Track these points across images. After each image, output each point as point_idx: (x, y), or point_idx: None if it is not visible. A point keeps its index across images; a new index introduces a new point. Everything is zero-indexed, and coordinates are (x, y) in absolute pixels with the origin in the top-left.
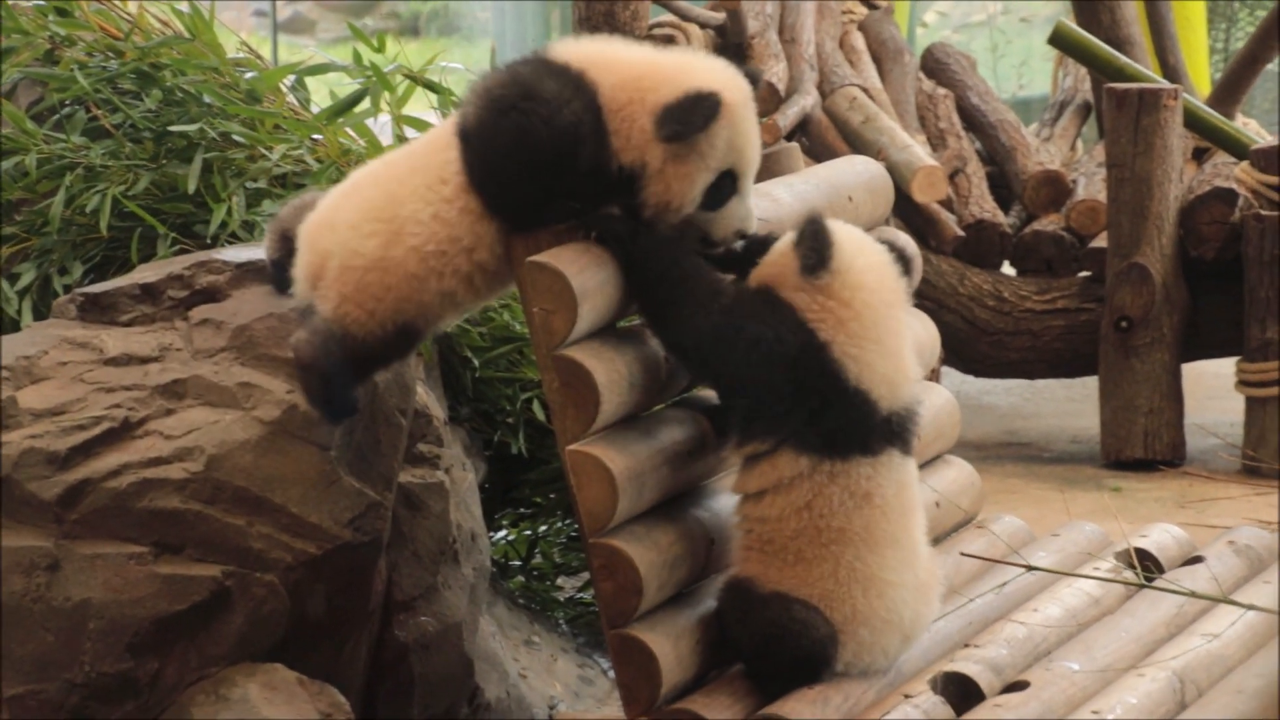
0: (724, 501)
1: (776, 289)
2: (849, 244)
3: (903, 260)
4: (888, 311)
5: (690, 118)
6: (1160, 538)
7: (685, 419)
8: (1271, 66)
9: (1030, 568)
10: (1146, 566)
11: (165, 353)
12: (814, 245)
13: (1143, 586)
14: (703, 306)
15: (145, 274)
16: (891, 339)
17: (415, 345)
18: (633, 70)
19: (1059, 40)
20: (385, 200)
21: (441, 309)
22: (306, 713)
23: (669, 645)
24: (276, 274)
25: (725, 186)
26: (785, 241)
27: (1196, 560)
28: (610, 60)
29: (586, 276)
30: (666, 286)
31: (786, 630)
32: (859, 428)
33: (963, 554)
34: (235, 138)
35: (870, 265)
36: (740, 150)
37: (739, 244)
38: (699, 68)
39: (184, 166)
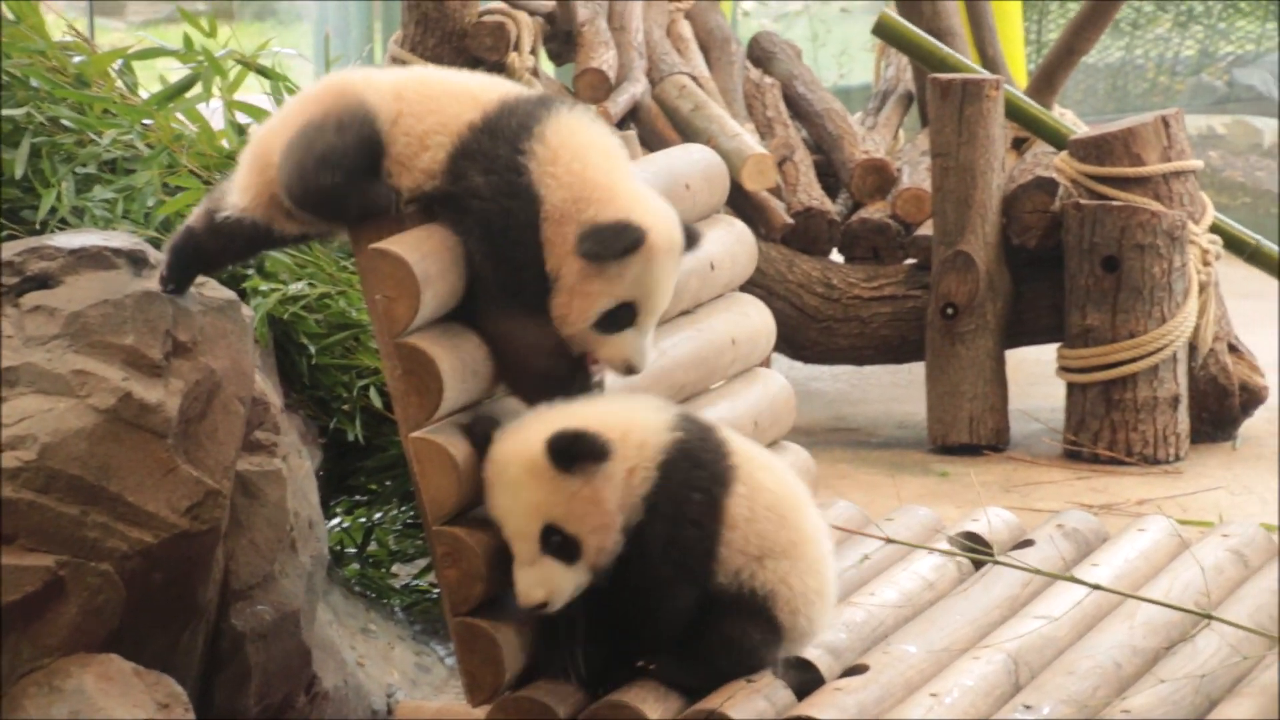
0: None
1: None
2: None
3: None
4: None
5: (611, 243)
6: (991, 521)
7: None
8: (1086, 58)
9: (890, 540)
10: (979, 550)
11: None
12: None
13: (995, 562)
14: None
15: None
16: None
17: None
18: (583, 187)
19: (882, 31)
20: None
21: None
22: (143, 703)
23: (513, 632)
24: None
25: (623, 316)
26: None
27: (1027, 544)
28: (567, 169)
29: (429, 263)
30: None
31: None
32: None
33: (834, 526)
34: (64, 122)
35: None
36: (648, 289)
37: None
38: (643, 203)
39: (11, 151)
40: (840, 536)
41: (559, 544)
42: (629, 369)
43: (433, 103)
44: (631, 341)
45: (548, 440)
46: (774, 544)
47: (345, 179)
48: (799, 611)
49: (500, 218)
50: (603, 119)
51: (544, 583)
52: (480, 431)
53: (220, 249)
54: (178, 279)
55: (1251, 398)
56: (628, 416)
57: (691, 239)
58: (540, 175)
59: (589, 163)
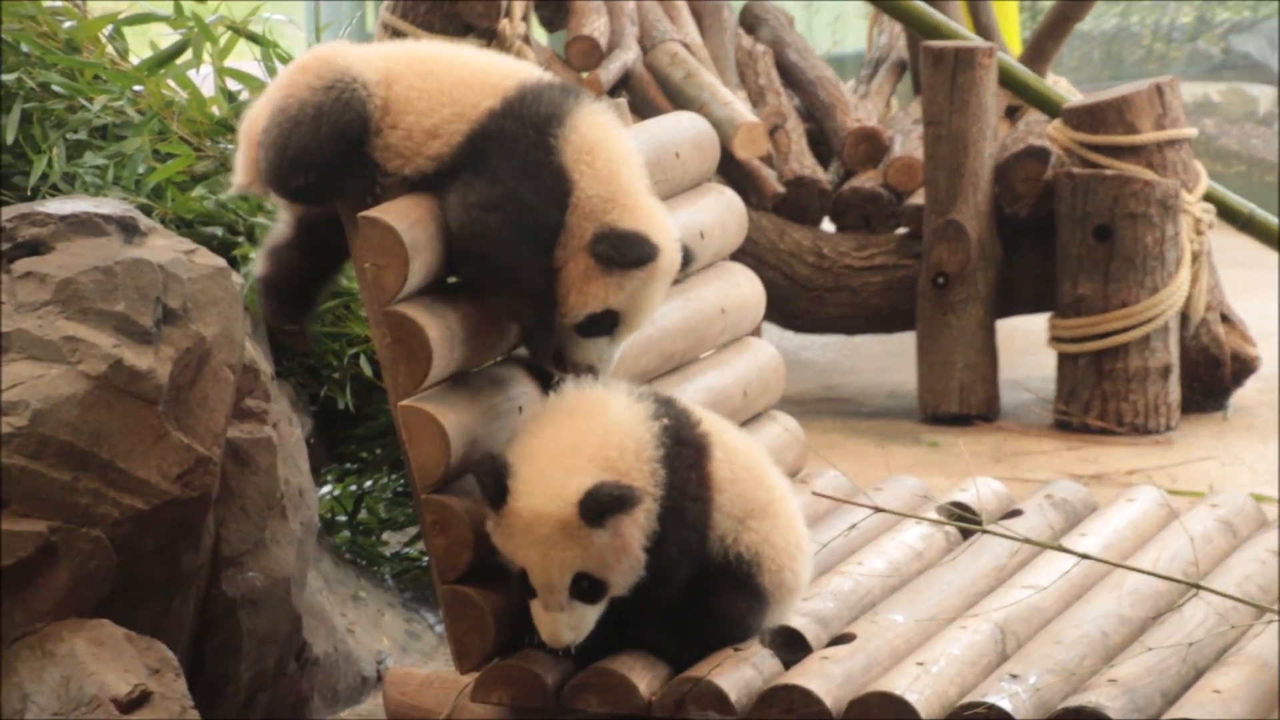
0: None
1: None
2: None
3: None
4: None
5: (626, 252)
6: (980, 491)
7: (516, 376)
8: (1080, 25)
9: (878, 509)
10: (967, 519)
11: None
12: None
13: (984, 531)
14: None
15: None
16: None
17: None
18: (614, 189)
19: None
20: None
21: None
22: (134, 668)
23: (501, 600)
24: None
25: (606, 323)
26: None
27: (1016, 513)
28: (605, 165)
29: (418, 231)
30: None
31: None
32: None
33: (816, 493)
34: (55, 88)
35: None
36: (638, 305)
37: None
38: (659, 220)
39: (2, 117)
40: (828, 506)
41: (587, 589)
42: (592, 373)
43: (444, 95)
44: (603, 349)
45: (581, 502)
46: (754, 503)
47: (318, 178)
48: (784, 568)
49: (530, 192)
50: (595, 88)
51: (574, 626)
52: (493, 476)
53: (287, 251)
54: (285, 311)
55: (1243, 367)
56: (620, 429)
57: (689, 260)
58: (575, 163)
59: (622, 167)
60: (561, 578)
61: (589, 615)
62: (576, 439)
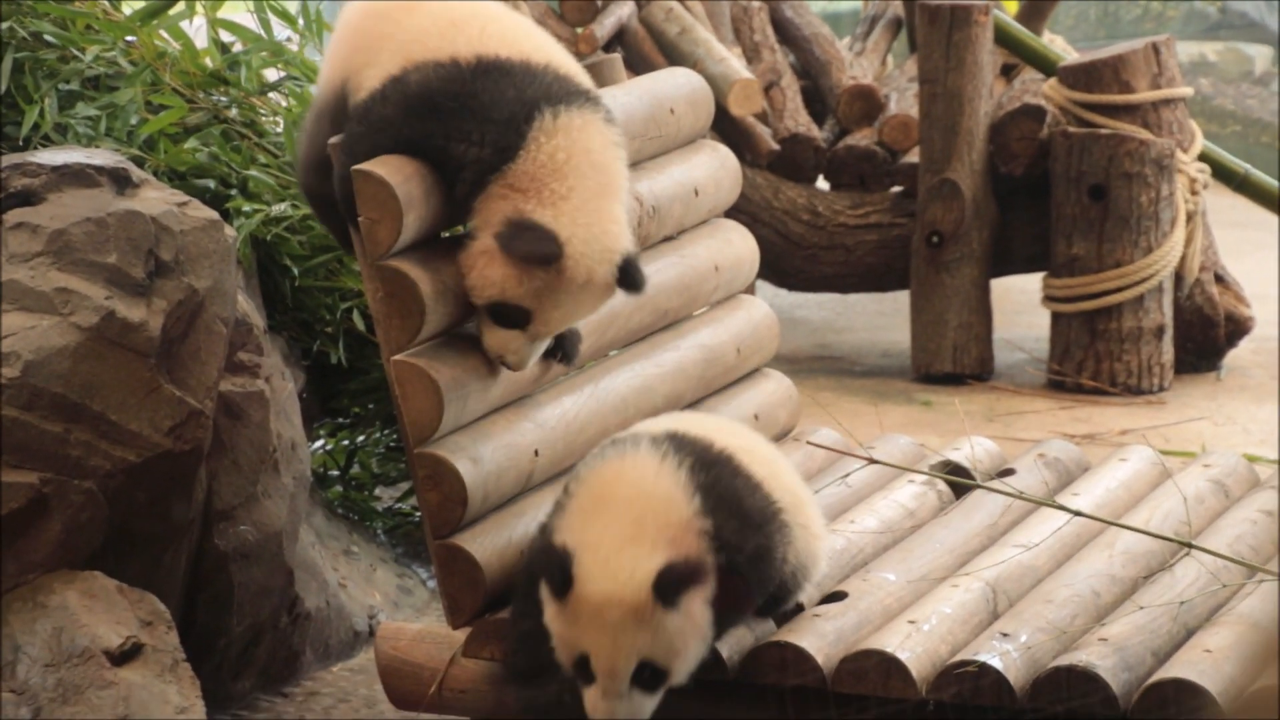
0: (549, 413)
1: None
2: None
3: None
4: None
5: (520, 243)
6: (973, 450)
7: None
8: None
9: (872, 460)
10: (959, 477)
11: None
12: None
13: (977, 486)
14: None
15: None
16: None
17: None
18: (555, 179)
19: None
20: None
21: None
22: (126, 620)
23: (494, 556)
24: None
25: (515, 316)
26: None
27: (1008, 473)
28: (563, 159)
29: (412, 185)
30: None
31: None
32: None
33: (810, 443)
34: (47, 38)
35: None
36: (546, 307)
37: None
38: (591, 229)
39: None
40: (823, 462)
41: (649, 677)
42: (505, 366)
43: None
44: (514, 341)
45: (655, 585)
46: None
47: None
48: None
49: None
50: (590, 44)
51: (631, 713)
52: (557, 565)
53: None
54: None
55: (1237, 328)
56: (666, 498)
57: (634, 283)
58: (533, 140)
59: (587, 170)
60: (628, 664)
61: (647, 705)
62: (635, 518)
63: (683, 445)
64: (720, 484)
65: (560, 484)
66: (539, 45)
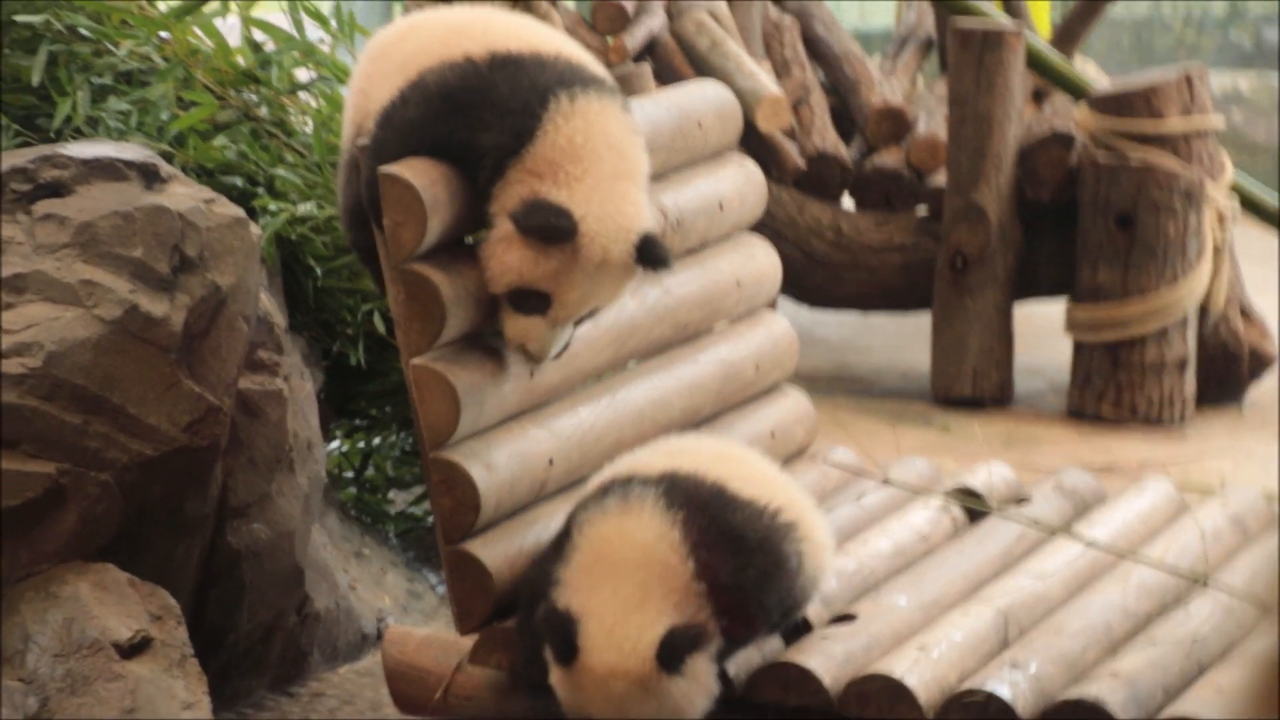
0: (565, 422)
1: None
2: None
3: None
4: None
5: (534, 219)
6: (989, 476)
7: None
8: (1112, 11)
9: (888, 482)
10: (973, 503)
11: (7, 246)
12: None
13: (993, 513)
14: None
15: None
16: None
17: None
18: (570, 161)
19: None
20: None
21: None
22: (136, 614)
23: (505, 563)
24: None
25: (535, 303)
26: None
27: (1024, 500)
28: (581, 141)
29: (438, 189)
30: None
31: None
32: None
33: (826, 462)
34: (81, 31)
35: None
36: (564, 289)
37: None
38: (607, 207)
39: (28, 58)
40: (837, 482)
41: None
42: (527, 355)
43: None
44: (536, 328)
45: (658, 654)
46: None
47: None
48: (821, 562)
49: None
50: (620, 54)
51: None
52: (561, 633)
53: None
54: None
55: (1260, 363)
56: (656, 556)
57: (655, 259)
58: (550, 123)
59: (604, 151)
60: None
61: None
62: (637, 583)
63: (676, 494)
64: (715, 527)
65: (573, 496)
66: (545, 38)
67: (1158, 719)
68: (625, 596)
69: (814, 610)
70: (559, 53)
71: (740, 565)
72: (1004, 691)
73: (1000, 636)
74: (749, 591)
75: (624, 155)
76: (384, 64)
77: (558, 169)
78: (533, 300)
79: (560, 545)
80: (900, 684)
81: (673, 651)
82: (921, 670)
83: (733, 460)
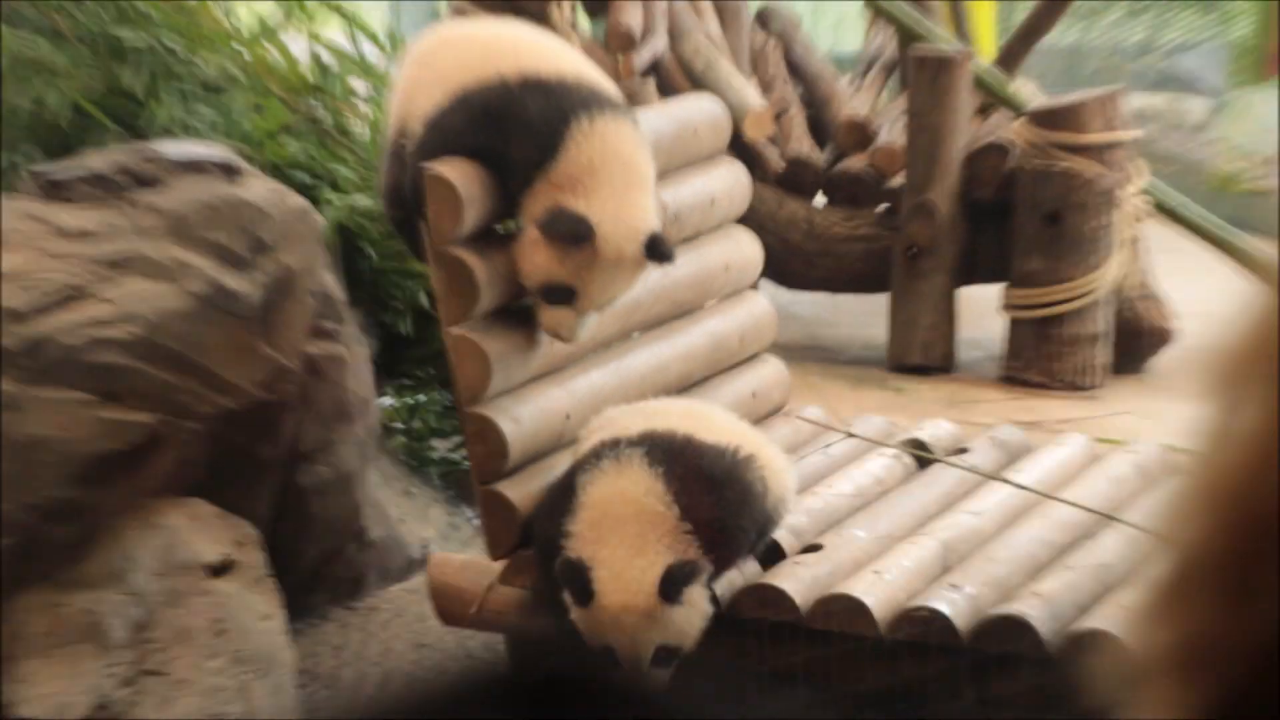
0: (579, 383)
1: None
2: None
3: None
4: None
5: (557, 227)
6: (935, 430)
7: None
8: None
9: (850, 434)
10: (923, 453)
11: (112, 230)
12: None
13: (936, 461)
14: None
15: (96, 161)
16: None
17: None
18: (589, 176)
19: (873, 3)
20: None
21: None
22: (223, 540)
23: (529, 501)
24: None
25: (564, 295)
26: None
27: (964, 451)
28: (599, 161)
29: (472, 185)
30: None
31: None
32: None
33: (799, 418)
34: (173, 47)
35: None
36: (586, 283)
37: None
38: (619, 212)
39: (130, 70)
40: (809, 433)
41: (665, 656)
42: (559, 338)
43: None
44: (567, 317)
45: (659, 589)
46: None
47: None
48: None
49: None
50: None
51: (651, 683)
52: (578, 580)
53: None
54: None
55: (1163, 338)
56: (647, 508)
57: (662, 255)
58: (571, 142)
59: (617, 169)
60: (646, 653)
61: (664, 676)
62: (635, 533)
63: (656, 451)
64: (690, 473)
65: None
66: (568, 60)
67: (1071, 630)
68: (627, 544)
69: (787, 541)
70: (580, 76)
71: (715, 500)
72: (945, 609)
73: (942, 564)
74: (727, 521)
75: (634, 167)
76: (425, 72)
77: (577, 182)
78: (561, 293)
79: (567, 503)
80: (860, 602)
81: (672, 585)
82: (877, 591)
83: (697, 415)
